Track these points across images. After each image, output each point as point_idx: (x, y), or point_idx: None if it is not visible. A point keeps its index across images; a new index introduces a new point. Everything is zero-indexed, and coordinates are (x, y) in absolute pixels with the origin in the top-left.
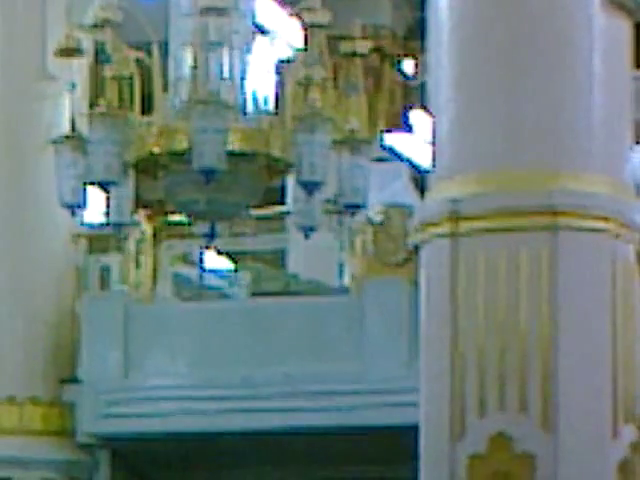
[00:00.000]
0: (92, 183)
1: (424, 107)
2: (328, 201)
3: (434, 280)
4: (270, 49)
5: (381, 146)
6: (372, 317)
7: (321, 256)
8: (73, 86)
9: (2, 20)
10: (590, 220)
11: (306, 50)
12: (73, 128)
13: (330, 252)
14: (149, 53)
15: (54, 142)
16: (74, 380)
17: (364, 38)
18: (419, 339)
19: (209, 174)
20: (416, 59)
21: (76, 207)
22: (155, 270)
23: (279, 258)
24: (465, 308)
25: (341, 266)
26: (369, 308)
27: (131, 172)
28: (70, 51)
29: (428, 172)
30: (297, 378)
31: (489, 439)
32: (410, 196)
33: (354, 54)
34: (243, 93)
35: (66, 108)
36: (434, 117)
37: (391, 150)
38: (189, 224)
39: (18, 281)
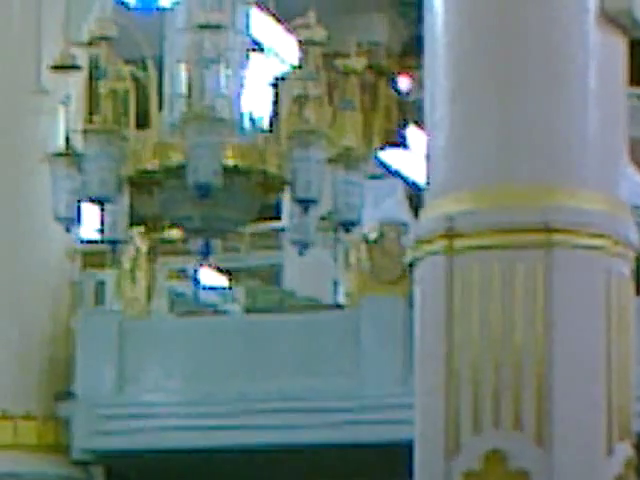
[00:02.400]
0: (87, 199)
1: (419, 124)
2: (323, 218)
3: (429, 296)
4: (266, 65)
5: (376, 162)
6: (367, 333)
7: (316, 272)
8: (68, 101)
9: None
10: (585, 237)
11: (301, 67)
12: (68, 143)
13: (325, 268)
14: (144, 69)
15: (49, 157)
16: (69, 395)
17: (359, 55)
18: (414, 356)
19: (204, 190)
20: (412, 76)
21: (71, 222)
22: (150, 286)
23: (274, 274)
24: (460, 324)
25: (336, 283)
26: (364, 324)
27: (126, 188)
28: (65, 66)
29: (423, 189)
30: (292, 394)
31: (484, 456)
32: (405, 213)
33: (350, 71)
34: (238, 109)
35: (61, 123)
36: (429, 133)
37: (386, 167)
38: (184, 240)
39: (13, 296)
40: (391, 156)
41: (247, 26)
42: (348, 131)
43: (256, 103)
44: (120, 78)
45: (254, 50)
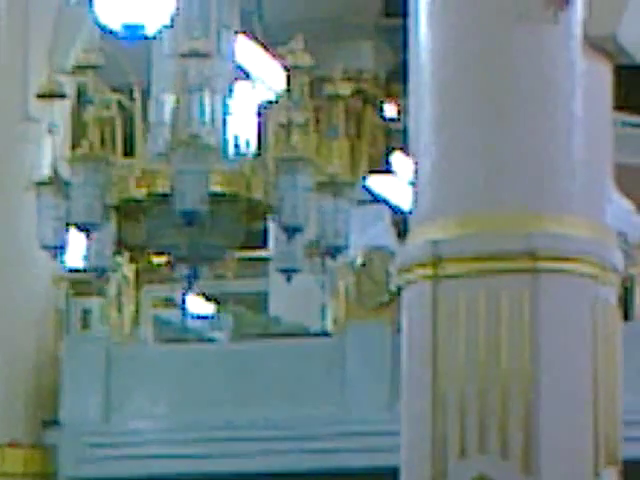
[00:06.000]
0: (73, 225)
1: (406, 150)
2: (310, 244)
3: (415, 322)
4: (252, 92)
5: (363, 189)
6: (354, 360)
7: (303, 299)
8: (55, 129)
9: None
10: (571, 263)
11: (288, 92)
12: (55, 170)
13: (312, 295)
14: (131, 96)
15: (36, 184)
16: (55, 423)
17: (345, 81)
18: (400, 382)
19: (190, 217)
20: (398, 102)
21: (57, 250)
22: (136, 313)
23: (261, 301)
24: (446, 350)
25: (323, 309)
26: (351, 351)
27: (113, 215)
28: (52, 94)
29: (410, 215)
30: (278, 421)
31: None
32: (392, 239)
33: (336, 97)
34: (225, 136)
35: (48, 150)
36: (415, 160)
37: (373, 193)
38: (170, 267)
39: None
40: (377, 182)
41: (233, 53)
42: (334, 158)
43: (242, 130)
44: (106, 106)
45: (240, 77)
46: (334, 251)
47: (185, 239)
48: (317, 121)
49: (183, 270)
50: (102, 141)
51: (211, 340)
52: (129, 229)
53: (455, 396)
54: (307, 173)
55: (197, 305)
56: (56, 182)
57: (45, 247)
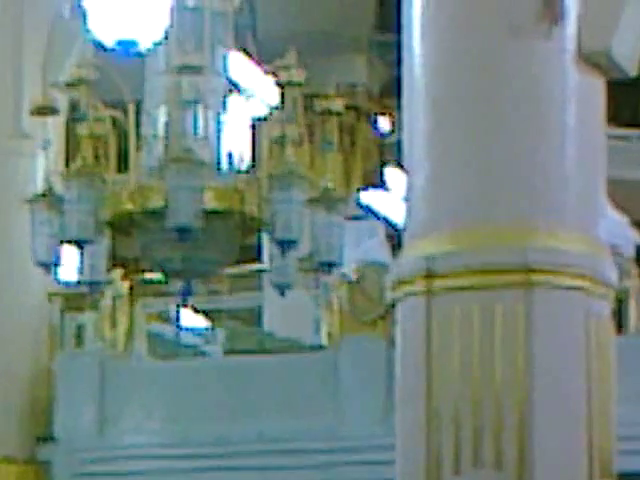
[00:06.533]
0: (67, 241)
1: (400, 164)
2: (303, 259)
3: (409, 337)
4: (245, 107)
5: (356, 203)
6: (348, 374)
7: (297, 313)
8: (48, 144)
9: None
10: (564, 277)
11: (281, 107)
12: (48, 186)
13: (306, 309)
14: (124, 111)
15: (29, 200)
16: (49, 438)
17: (339, 96)
18: (394, 396)
19: (184, 232)
20: (391, 116)
21: (50, 265)
22: (130, 328)
23: (255, 316)
24: (440, 365)
25: (317, 323)
26: (345, 365)
27: (106, 230)
28: (45, 109)
29: (403, 229)
30: (272, 435)
31: None
32: (386, 253)
33: (329, 112)
34: (218, 151)
35: (41, 166)
36: (408, 174)
37: (366, 208)
38: (165, 282)
39: None
40: (371, 197)
41: (226, 68)
42: (328, 172)
43: (235, 145)
44: (100, 121)
45: (233, 92)
46: (328, 266)
47: (179, 254)
48: (311, 136)
49: (177, 285)
50: (96, 156)
51: (205, 354)
52: (123, 244)
53: (449, 409)
54: (301, 188)
55: (191, 320)
56: (50, 197)
57: (38, 263)
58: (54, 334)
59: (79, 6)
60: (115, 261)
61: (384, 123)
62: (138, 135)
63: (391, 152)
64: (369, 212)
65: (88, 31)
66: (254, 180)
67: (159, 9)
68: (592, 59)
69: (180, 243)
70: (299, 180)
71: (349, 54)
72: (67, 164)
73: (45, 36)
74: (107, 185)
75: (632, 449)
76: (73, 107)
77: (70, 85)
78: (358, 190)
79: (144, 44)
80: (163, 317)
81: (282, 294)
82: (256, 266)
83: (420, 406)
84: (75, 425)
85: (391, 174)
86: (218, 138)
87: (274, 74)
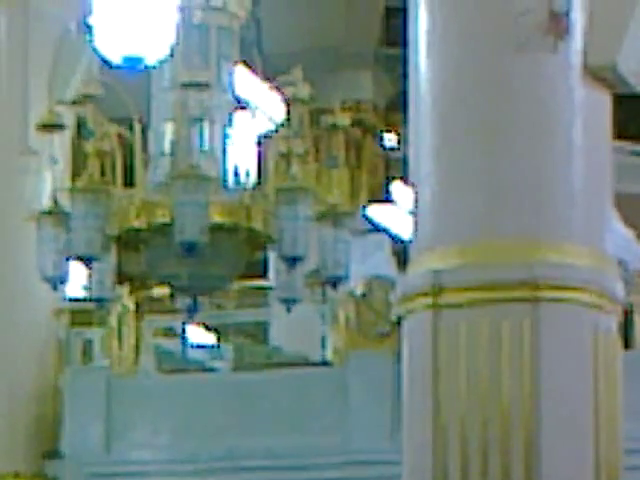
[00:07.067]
0: (74, 257)
1: (406, 179)
2: (310, 274)
3: (416, 352)
4: (251, 122)
5: (363, 218)
6: (355, 389)
7: (303, 329)
8: (55, 161)
9: None
10: (571, 292)
11: (288, 123)
12: (55, 202)
13: (312, 325)
14: (130, 128)
15: (36, 216)
16: (57, 454)
17: (345, 111)
18: (402, 412)
19: (191, 248)
20: (397, 132)
21: (57, 281)
22: (137, 343)
23: (261, 331)
24: (447, 379)
25: (324, 339)
26: (352, 380)
27: (113, 246)
28: (52, 126)
29: (410, 244)
30: (279, 451)
31: None
32: (392, 268)
33: (335, 127)
34: (224, 167)
35: (48, 183)
36: (415, 189)
37: (373, 222)
38: (171, 298)
39: (0, 355)
40: (377, 212)
41: (232, 84)
42: (334, 187)
43: (242, 160)
44: (106, 137)
45: (239, 108)
46: (334, 281)
47: (185, 269)
48: (317, 151)
49: (184, 300)
50: (102, 172)
51: (212, 370)
52: (129, 260)
53: (456, 425)
54: (307, 203)
55: (198, 335)
56: (56, 213)
57: (45, 279)
58: (61, 350)
59: (85, 23)
60: (122, 277)
61: (390, 138)
62: (144, 151)
63: (397, 167)
64: (375, 227)
65: (94, 48)
66: (260, 196)
67: (165, 25)
68: (598, 73)
69: (186, 259)
70: (305, 195)
71: (355, 69)
72: (73, 180)
73: (51, 53)
74: (113, 201)
75: (639, 464)
76: (79, 123)
77: (76, 102)
78: (364, 205)
79: (150, 60)
80: (170, 332)
81: (288, 310)
82: (263, 281)
83: (427, 421)
84: (82, 441)
85: (397, 189)
86: (224, 154)
87: (280, 90)
